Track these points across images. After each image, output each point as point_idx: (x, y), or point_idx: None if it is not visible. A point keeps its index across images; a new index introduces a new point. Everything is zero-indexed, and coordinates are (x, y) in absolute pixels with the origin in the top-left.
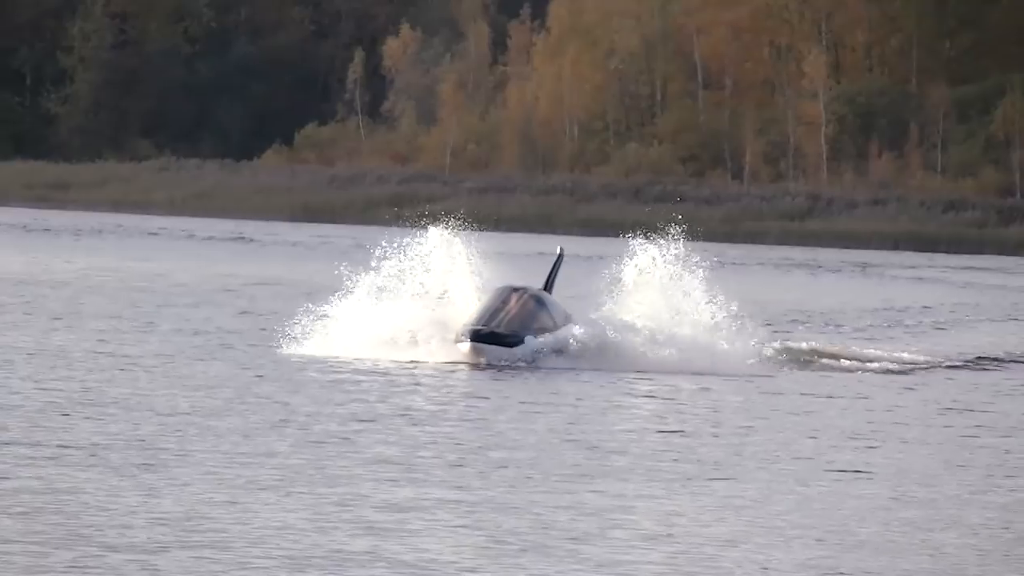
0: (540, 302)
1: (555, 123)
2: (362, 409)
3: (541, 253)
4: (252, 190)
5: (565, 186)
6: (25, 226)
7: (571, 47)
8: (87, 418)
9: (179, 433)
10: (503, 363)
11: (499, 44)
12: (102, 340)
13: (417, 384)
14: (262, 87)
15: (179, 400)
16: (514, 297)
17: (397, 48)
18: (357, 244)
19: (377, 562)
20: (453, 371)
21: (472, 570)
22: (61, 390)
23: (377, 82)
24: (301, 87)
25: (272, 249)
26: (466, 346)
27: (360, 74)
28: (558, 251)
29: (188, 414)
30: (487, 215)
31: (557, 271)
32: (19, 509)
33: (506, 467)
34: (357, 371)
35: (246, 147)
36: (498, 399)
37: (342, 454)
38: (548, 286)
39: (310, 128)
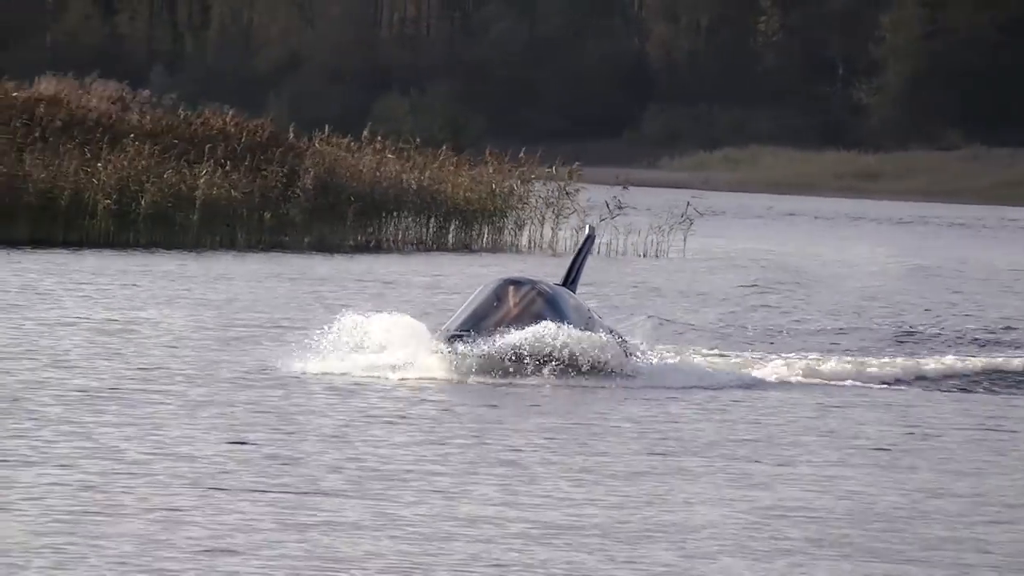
0: (551, 301)
1: None
2: None
3: None
4: None
5: None
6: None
7: None
8: None
9: None
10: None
11: None
12: None
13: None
14: None
15: None
16: (512, 293)
17: None
18: None
19: None
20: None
21: None
22: None
23: None
24: None
25: None
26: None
27: None
28: (587, 231)
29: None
30: None
31: (584, 259)
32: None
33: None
34: None
35: None
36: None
37: None
38: (570, 280)
39: None
